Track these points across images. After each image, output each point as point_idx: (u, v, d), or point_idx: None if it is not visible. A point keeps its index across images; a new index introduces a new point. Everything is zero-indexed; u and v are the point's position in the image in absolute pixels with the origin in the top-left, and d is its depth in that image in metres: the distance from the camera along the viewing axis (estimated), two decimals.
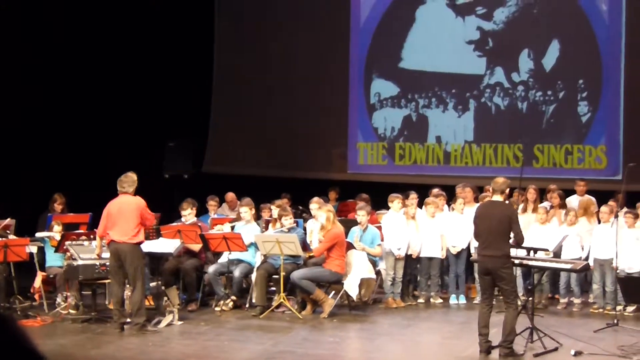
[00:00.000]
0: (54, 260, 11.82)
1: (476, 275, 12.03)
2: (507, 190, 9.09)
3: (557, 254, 10.65)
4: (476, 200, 12.56)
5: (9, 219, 11.96)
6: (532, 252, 9.73)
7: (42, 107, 15.80)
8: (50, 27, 15.91)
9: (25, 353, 1.07)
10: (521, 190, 11.53)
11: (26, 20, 15.53)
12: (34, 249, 11.83)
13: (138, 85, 16.96)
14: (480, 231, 8.92)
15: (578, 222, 11.85)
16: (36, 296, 11.95)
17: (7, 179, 14.47)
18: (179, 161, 16.52)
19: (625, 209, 11.55)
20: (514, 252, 9.17)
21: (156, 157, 16.34)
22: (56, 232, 11.83)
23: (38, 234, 12.09)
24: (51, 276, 11.80)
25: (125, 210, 10.14)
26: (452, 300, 12.38)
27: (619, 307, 11.12)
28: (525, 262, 9.66)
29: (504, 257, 8.68)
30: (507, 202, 9.31)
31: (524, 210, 12.16)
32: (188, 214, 12.29)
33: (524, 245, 9.15)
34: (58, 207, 13.06)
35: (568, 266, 9.89)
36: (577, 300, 11.85)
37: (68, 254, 11.01)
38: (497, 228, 8.68)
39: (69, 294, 11.43)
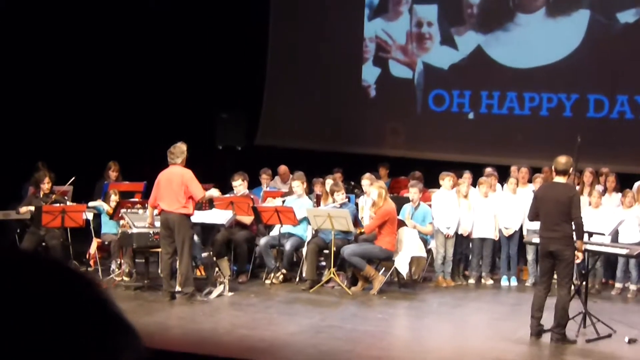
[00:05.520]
0: (109, 227, 11.93)
1: (528, 257, 11.91)
2: (571, 170, 8.80)
3: (613, 239, 10.45)
4: (529, 181, 12.40)
5: (68, 184, 12.11)
6: (587, 236, 9.53)
7: (98, 78, 15.96)
8: (115, 6, 16.06)
9: (113, 319, 1.07)
10: (577, 173, 11.29)
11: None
12: (90, 215, 11.95)
13: (193, 57, 16.98)
14: (542, 212, 8.67)
15: (636, 205, 11.60)
16: (91, 262, 12.08)
17: (64, 146, 14.61)
18: (232, 133, 16.50)
19: None
20: None
21: (210, 128, 16.36)
22: (113, 201, 11.89)
23: (91, 203, 12.17)
24: (106, 243, 11.92)
25: (174, 181, 10.15)
26: (504, 281, 12.23)
27: None
28: None
29: (566, 238, 8.48)
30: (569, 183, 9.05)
31: (581, 192, 11.93)
32: (239, 185, 12.29)
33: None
34: (113, 174, 13.15)
35: (624, 251, 9.68)
36: (633, 287, 11.56)
37: (123, 221, 11.09)
38: (560, 209, 8.45)
39: (122, 261, 11.54)
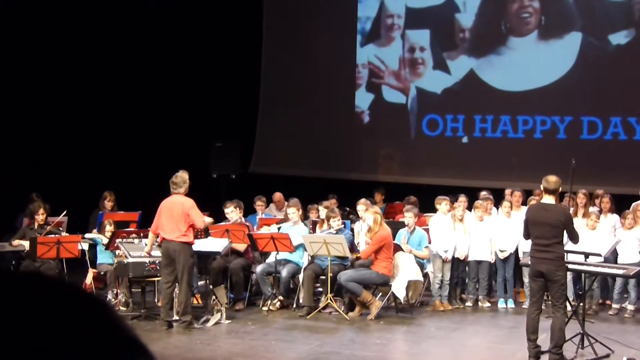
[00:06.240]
0: (104, 257, 11.98)
1: (525, 280, 11.96)
2: (560, 189, 8.80)
3: (608, 259, 10.56)
4: (524, 204, 12.51)
5: (61, 216, 12.19)
6: (583, 257, 9.63)
7: (92, 106, 16.04)
8: (106, 26, 16.21)
9: (129, 341, 1.08)
10: (572, 195, 11.41)
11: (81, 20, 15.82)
12: (85, 245, 12.00)
13: (187, 87, 17.11)
14: (533, 234, 8.70)
15: (637, 227, 11.72)
16: None
17: (59, 176, 14.70)
18: (226, 161, 16.59)
19: None
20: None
21: (204, 157, 16.45)
22: (108, 231, 11.97)
23: (87, 235, 12.26)
24: (102, 273, 11.97)
25: (175, 210, 10.24)
26: (501, 304, 12.29)
27: None
28: (577, 267, 9.53)
29: (558, 259, 8.53)
30: (560, 204, 9.12)
31: (575, 214, 12.04)
32: (231, 212, 12.36)
33: (576, 249, 9.08)
34: (108, 204, 13.20)
35: (621, 271, 9.77)
36: (630, 307, 11.62)
37: (119, 251, 11.19)
38: (551, 231, 8.49)
39: (119, 291, 11.61)
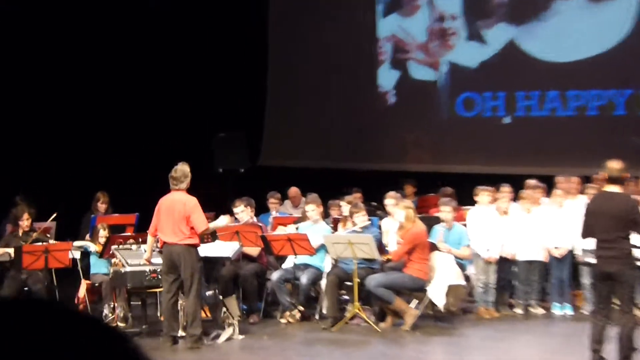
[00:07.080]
0: (99, 267, 11.95)
1: (583, 281, 11.82)
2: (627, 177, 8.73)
3: None
4: (581, 192, 12.32)
5: (49, 221, 12.17)
6: None
7: (86, 102, 16.26)
8: (104, 21, 16.46)
9: None
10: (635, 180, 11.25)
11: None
12: (77, 254, 11.99)
13: (187, 73, 17.16)
14: (596, 229, 8.57)
15: None
16: (80, 307, 12.03)
17: (47, 177, 14.77)
18: (232, 154, 16.62)
19: None
20: None
21: (207, 150, 16.45)
22: (102, 236, 11.94)
23: (77, 243, 12.19)
24: (96, 284, 11.93)
25: (176, 210, 10.15)
26: (555, 309, 12.14)
27: None
28: None
29: (627, 256, 8.41)
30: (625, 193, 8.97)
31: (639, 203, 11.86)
32: (241, 212, 12.36)
33: None
34: (102, 206, 13.23)
35: None
36: None
37: (114, 259, 11.11)
38: (617, 224, 8.36)
39: (116, 304, 11.58)
